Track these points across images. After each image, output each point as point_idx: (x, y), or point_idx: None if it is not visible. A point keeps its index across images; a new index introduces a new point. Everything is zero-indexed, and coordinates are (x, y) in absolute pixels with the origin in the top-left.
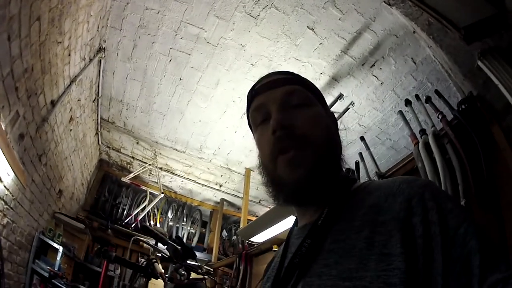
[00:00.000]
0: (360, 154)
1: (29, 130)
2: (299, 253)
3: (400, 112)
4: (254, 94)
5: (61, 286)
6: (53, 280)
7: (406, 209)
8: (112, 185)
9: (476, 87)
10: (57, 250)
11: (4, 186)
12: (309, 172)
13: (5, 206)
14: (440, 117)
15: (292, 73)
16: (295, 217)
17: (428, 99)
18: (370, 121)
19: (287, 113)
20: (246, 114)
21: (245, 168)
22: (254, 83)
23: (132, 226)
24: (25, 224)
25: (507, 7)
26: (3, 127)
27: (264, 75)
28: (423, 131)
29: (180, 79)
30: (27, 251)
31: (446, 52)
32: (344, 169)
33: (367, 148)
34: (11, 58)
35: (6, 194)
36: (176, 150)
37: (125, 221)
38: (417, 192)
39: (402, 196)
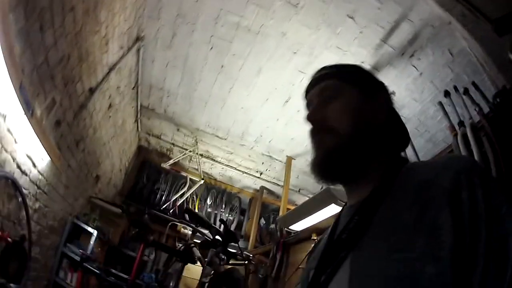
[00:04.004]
0: None
1: (66, 116)
2: (348, 228)
3: (440, 103)
4: (306, 91)
5: (92, 269)
6: (84, 264)
7: (455, 183)
8: (151, 171)
9: (509, 81)
10: (91, 234)
11: (38, 171)
12: (326, 154)
13: (38, 191)
14: (477, 109)
15: (331, 67)
16: (343, 202)
17: (466, 91)
18: (410, 112)
19: (317, 108)
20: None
21: (287, 156)
22: (296, 71)
23: (170, 211)
24: (59, 209)
25: None
26: (38, 114)
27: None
28: (461, 123)
29: (222, 66)
30: (58, 235)
31: (480, 44)
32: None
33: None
34: (45, 47)
35: (40, 179)
36: (218, 137)
37: (163, 207)
38: (465, 168)
39: (451, 170)
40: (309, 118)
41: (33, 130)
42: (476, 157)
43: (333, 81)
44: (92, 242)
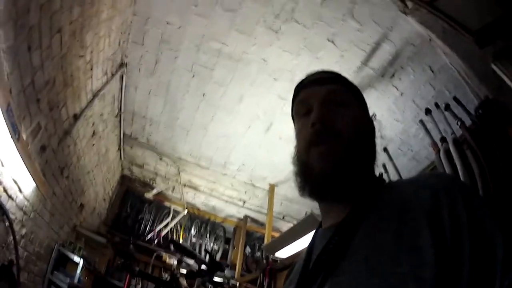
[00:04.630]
0: (384, 165)
1: (51, 142)
2: (326, 250)
3: (421, 122)
4: (301, 87)
5: None
6: None
7: (434, 201)
8: (134, 201)
9: (492, 91)
10: (77, 263)
11: (24, 197)
12: (336, 167)
13: (24, 217)
14: (459, 123)
15: (338, 74)
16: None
17: (447, 107)
18: (392, 132)
19: (328, 109)
20: (291, 105)
21: (269, 183)
22: (278, 97)
23: (155, 242)
24: (45, 236)
25: None
26: (24, 137)
27: (313, 72)
28: (443, 139)
29: (204, 94)
30: (45, 262)
31: (461, 58)
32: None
33: (390, 159)
34: (32, 68)
35: (26, 205)
36: (200, 166)
37: (148, 237)
38: (444, 185)
39: (430, 189)
40: (319, 119)
41: (19, 155)
42: (460, 171)
43: (341, 87)
44: (78, 271)
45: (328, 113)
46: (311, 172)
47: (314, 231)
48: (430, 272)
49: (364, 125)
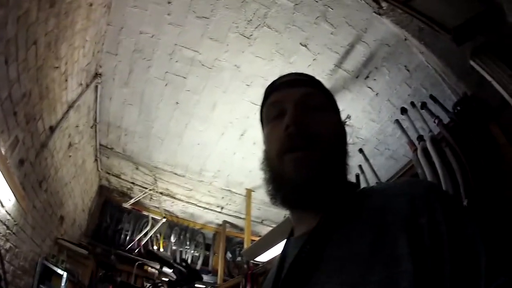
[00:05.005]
0: (360, 166)
1: (29, 155)
2: (299, 259)
3: (397, 121)
4: (273, 89)
5: None
6: None
7: (412, 209)
8: (113, 211)
9: (470, 87)
10: (61, 276)
11: (6, 211)
12: (313, 174)
13: (7, 231)
14: (436, 121)
15: (312, 77)
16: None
17: (424, 105)
18: (368, 133)
19: (303, 112)
20: (260, 108)
21: (246, 189)
22: (251, 103)
23: (136, 251)
24: (28, 250)
25: (494, 2)
26: (3, 151)
27: (285, 74)
28: (420, 138)
29: (177, 103)
30: (31, 276)
31: (438, 56)
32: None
33: (366, 160)
34: (9, 82)
35: (8, 219)
36: (176, 174)
37: (128, 247)
38: (421, 193)
39: (406, 197)
40: (294, 121)
41: None
42: (439, 169)
43: (316, 91)
44: (63, 284)
45: (303, 116)
46: (285, 180)
47: (286, 239)
48: (407, 281)
49: (339, 131)
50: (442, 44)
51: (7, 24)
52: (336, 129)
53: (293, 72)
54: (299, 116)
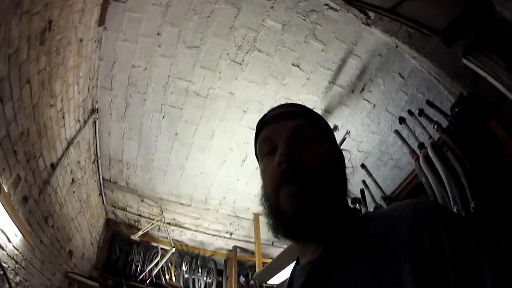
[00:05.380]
0: (364, 181)
1: (32, 192)
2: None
3: (396, 131)
4: (263, 124)
5: None
6: None
7: (414, 233)
8: (122, 243)
9: (465, 87)
10: None
11: (14, 247)
12: (309, 207)
13: (16, 265)
14: (435, 126)
15: (303, 106)
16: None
17: (421, 112)
18: (369, 145)
19: (294, 147)
20: (254, 143)
21: (253, 213)
22: (249, 129)
23: (147, 282)
24: (38, 283)
25: None
26: (6, 189)
27: (275, 106)
28: (421, 145)
29: (176, 134)
30: None
31: (430, 59)
32: (350, 200)
33: (369, 174)
34: (6, 121)
35: (16, 254)
36: (182, 204)
37: (140, 278)
38: (423, 215)
39: (408, 221)
40: (285, 157)
41: (2, 206)
42: (442, 175)
43: (308, 122)
44: None
45: (295, 151)
46: (283, 215)
47: (292, 266)
48: None
49: (334, 159)
50: (433, 46)
51: None
52: (329, 158)
53: (283, 103)
54: (290, 152)
